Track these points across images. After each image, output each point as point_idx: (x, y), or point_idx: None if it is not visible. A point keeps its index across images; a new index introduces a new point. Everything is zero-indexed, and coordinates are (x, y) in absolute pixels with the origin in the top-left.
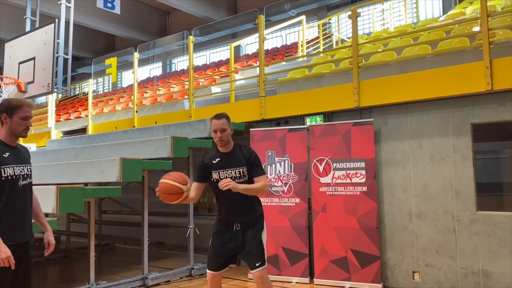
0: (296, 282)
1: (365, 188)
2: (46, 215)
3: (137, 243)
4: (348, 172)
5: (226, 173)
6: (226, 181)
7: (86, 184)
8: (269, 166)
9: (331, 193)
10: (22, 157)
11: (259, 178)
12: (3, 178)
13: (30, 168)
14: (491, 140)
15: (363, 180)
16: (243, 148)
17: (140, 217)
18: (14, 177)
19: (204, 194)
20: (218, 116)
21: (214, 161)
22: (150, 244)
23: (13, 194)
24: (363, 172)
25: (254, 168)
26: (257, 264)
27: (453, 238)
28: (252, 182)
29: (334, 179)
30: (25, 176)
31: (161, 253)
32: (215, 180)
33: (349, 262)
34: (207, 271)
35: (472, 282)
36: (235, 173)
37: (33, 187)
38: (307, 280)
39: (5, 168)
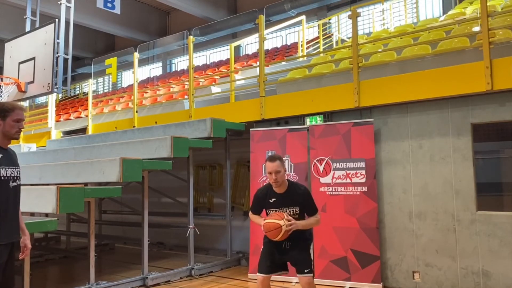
0: (296, 282)
1: (365, 188)
2: (46, 215)
3: (137, 243)
4: (348, 172)
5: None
6: (291, 226)
7: (86, 184)
8: None
9: (331, 193)
10: (13, 159)
11: (313, 217)
12: None
13: (19, 171)
14: (491, 140)
15: (363, 180)
16: (296, 188)
17: (140, 217)
18: (6, 178)
19: (204, 194)
20: (272, 159)
21: (270, 201)
22: (150, 244)
23: (5, 194)
24: (363, 172)
25: (308, 208)
26: (306, 270)
27: (453, 238)
28: (303, 218)
29: (334, 179)
30: (15, 178)
31: (161, 253)
32: (270, 211)
33: (349, 262)
34: (258, 274)
35: (472, 282)
36: (288, 212)
37: (33, 187)
38: None
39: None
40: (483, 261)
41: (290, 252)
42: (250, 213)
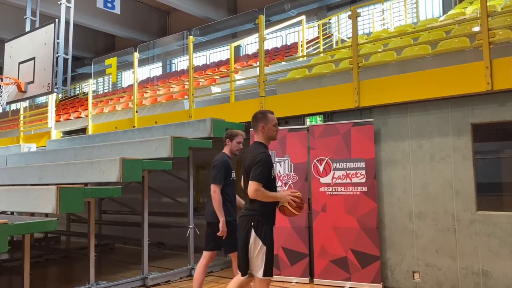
0: (296, 282)
1: (365, 188)
2: (46, 215)
3: (137, 243)
4: (348, 172)
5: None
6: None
7: (86, 184)
8: None
9: (331, 193)
10: (231, 165)
11: None
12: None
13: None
14: (491, 140)
15: (363, 180)
16: None
17: (140, 217)
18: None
19: (204, 194)
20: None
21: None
22: (150, 244)
23: (231, 188)
24: (363, 172)
25: None
26: None
27: (453, 238)
28: None
29: (334, 179)
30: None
31: (161, 253)
32: (273, 177)
33: (349, 262)
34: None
35: (472, 282)
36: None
37: (33, 187)
38: (307, 280)
39: (232, 172)
40: (483, 261)
41: None
42: (260, 186)
